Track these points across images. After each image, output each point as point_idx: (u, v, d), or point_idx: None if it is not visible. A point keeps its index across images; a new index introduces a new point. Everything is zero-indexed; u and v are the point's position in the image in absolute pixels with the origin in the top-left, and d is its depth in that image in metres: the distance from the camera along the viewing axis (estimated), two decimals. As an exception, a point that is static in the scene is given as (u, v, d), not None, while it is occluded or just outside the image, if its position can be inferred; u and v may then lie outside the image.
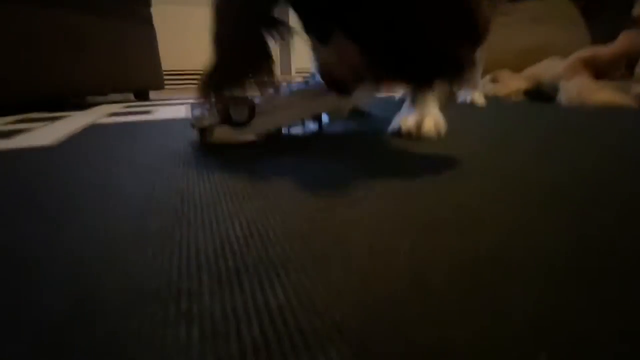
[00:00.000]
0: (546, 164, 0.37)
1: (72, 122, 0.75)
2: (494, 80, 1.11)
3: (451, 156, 0.40)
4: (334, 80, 0.39)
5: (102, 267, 0.18)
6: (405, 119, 0.50)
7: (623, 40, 0.84)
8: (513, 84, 1.02)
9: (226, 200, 0.28)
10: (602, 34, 1.28)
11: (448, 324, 0.14)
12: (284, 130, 0.52)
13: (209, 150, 0.44)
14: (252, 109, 0.43)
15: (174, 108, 1.00)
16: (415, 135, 0.48)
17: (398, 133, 0.50)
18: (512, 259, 0.19)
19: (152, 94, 1.57)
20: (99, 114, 0.90)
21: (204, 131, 0.45)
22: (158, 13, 1.53)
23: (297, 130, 0.54)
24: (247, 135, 0.46)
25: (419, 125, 0.49)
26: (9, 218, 0.25)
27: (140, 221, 0.24)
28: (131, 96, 1.49)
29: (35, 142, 0.54)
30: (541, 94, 0.95)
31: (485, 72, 1.18)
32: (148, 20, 1.45)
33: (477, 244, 0.20)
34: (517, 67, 1.16)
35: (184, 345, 0.13)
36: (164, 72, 1.57)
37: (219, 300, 0.16)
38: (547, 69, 0.97)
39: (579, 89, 0.83)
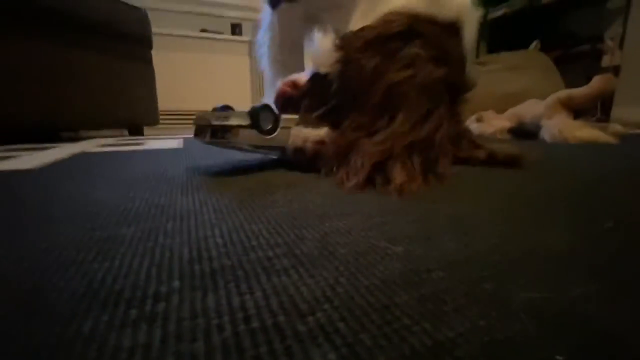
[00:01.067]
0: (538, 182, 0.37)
1: (61, 151, 0.74)
2: (479, 120, 1.15)
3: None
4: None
5: (59, 272, 0.16)
6: None
7: (596, 83, 0.89)
8: (497, 122, 1.06)
9: (208, 211, 0.26)
10: (573, 82, 1.37)
11: (444, 329, 0.12)
12: None
13: (195, 171, 0.43)
14: (277, 120, 0.43)
15: (165, 141, 1.01)
16: None
17: None
18: (510, 265, 0.17)
19: (147, 130, 1.59)
20: (89, 145, 0.89)
21: (225, 131, 0.41)
22: (159, 57, 1.61)
23: None
24: (271, 142, 0.43)
25: None
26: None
27: (114, 230, 0.22)
28: (125, 132, 1.51)
29: (20, 166, 0.52)
30: (524, 132, 0.99)
31: (469, 114, 1.23)
32: (149, 61, 1.52)
33: (472, 248, 0.19)
34: (499, 110, 1.22)
35: (142, 346, 0.11)
36: (161, 112, 1.61)
37: (189, 301, 0.14)
38: (528, 109, 1.02)
39: (560, 127, 0.86)
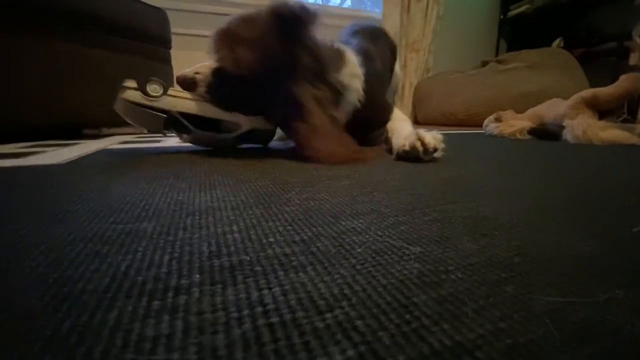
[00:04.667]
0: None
1: (84, 147, 0.77)
2: (498, 120, 1.13)
3: (456, 174, 0.39)
4: None
5: (85, 263, 0.17)
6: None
7: (623, 82, 0.86)
8: (517, 123, 1.03)
9: (226, 208, 0.27)
10: (598, 81, 1.32)
11: (464, 330, 0.12)
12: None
13: (213, 169, 0.43)
14: (165, 89, 0.57)
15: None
16: (423, 152, 0.49)
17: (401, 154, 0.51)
18: (532, 268, 0.17)
19: (165, 128, 1.63)
20: (111, 142, 0.92)
21: (121, 88, 0.55)
22: (176, 56, 1.64)
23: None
24: (154, 103, 0.56)
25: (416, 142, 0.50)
26: (4, 219, 0.24)
27: (135, 224, 0.23)
28: (145, 130, 1.55)
29: (46, 161, 0.54)
30: (545, 133, 0.96)
31: (487, 114, 1.21)
32: (167, 61, 1.55)
33: (491, 250, 0.19)
34: (519, 110, 1.18)
35: (165, 337, 0.12)
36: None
37: (210, 295, 0.14)
38: (550, 108, 0.99)
39: (584, 128, 0.83)
